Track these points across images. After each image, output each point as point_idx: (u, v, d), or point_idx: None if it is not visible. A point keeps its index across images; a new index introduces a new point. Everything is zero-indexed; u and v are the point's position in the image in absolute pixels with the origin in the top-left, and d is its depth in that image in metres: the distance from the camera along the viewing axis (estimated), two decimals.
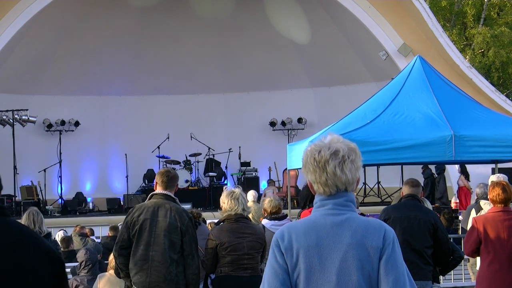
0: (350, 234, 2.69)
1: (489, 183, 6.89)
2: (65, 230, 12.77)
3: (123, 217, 6.22)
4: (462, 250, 6.90)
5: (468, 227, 8.28)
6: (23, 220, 7.20)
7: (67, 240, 10.66)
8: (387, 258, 2.67)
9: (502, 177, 7.96)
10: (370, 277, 2.67)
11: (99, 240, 12.53)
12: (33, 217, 7.14)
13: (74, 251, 10.59)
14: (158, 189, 5.97)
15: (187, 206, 15.32)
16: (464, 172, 16.94)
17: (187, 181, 19.37)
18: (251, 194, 11.11)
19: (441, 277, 8.29)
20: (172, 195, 5.95)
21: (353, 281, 2.65)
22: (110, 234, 11.83)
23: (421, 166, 16.85)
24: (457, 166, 16.82)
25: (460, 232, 11.45)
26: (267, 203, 7.51)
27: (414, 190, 6.75)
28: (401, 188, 17.88)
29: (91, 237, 12.79)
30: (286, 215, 7.60)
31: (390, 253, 2.69)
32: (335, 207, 2.74)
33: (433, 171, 17.36)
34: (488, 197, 6.19)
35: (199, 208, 16.17)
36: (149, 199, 5.98)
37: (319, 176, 2.75)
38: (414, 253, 6.42)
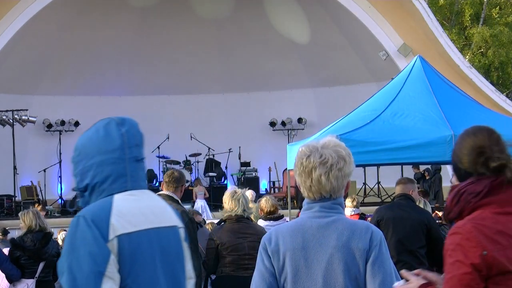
0: (336, 237, 2.69)
1: None
2: (65, 230, 12.77)
3: None
4: None
5: None
6: (26, 222, 7.13)
7: None
8: (374, 260, 2.66)
9: None
10: (357, 279, 2.66)
11: None
12: (37, 217, 7.10)
13: None
14: (163, 190, 6.03)
15: (186, 206, 15.29)
16: None
17: (187, 181, 19.38)
18: (249, 194, 11.10)
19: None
20: (175, 196, 5.97)
21: (339, 283, 2.65)
22: None
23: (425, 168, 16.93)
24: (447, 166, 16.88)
25: None
26: (263, 202, 7.51)
27: (406, 188, 6.73)
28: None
29: None
30: (283, 215, 7.57)
31: (377, 254, 2.67)
32: (322, 209, 2.74)
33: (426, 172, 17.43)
34: None
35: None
36: None
37: (304, 181, 2.76)
38: (408, 254, 6.41)
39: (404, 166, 17.43)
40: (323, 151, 2.75)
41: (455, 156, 2.38)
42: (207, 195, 18.35)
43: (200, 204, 17.34)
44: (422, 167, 17.46)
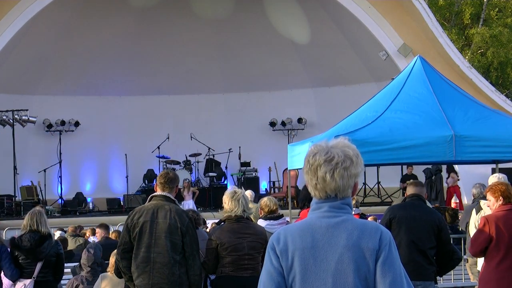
0: (345, 236, 2.68)
1: (489, 183, 6.85)
2: (64, 231, 12.76)
3: (124, 217, 6.23)
4: (463, 250, 6.88)
5: (471, 227, 8.24)
6: (25, 221, 7.12)
7: (63, 240, 10.65)
8: (384, 260, 2.66)
9: (502, 177, 7.95)
10: (367, 279, 2.66)
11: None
12: (36, 218, 7.08)
13: (71, 251, 10.61)
14: (158, 191, 5.97)
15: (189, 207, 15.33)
16: (453, 171, 17.04)
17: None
18: (248, 194, 11.09)
19: (441, 277, 8.28)
20: (172, 197, 5.94)
21: (349, 283, 2.64)
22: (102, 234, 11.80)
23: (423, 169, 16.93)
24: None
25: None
26: (267, 200, 7.51)
27: (419, 190, 6.74)
28: (401, 189, 17.81)
29: (92, 237, 12.75)
30: (282, 215, 7.56)
31: (387, 254, 2.67)
32: (331, 209, 2.74)
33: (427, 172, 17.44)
34: (493, 195, 6.07)
35: (199, 209, 16.18)
36: (149, 201, 5.97)
37: (310, 179, 2.75)
38: (419, 254, 6.42)
39: (404, 166, 17.44)
40: (330, 149, 2.74)
41: None
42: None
43: (191, 204, 17.31)
44: (421, 167, 17.44)
